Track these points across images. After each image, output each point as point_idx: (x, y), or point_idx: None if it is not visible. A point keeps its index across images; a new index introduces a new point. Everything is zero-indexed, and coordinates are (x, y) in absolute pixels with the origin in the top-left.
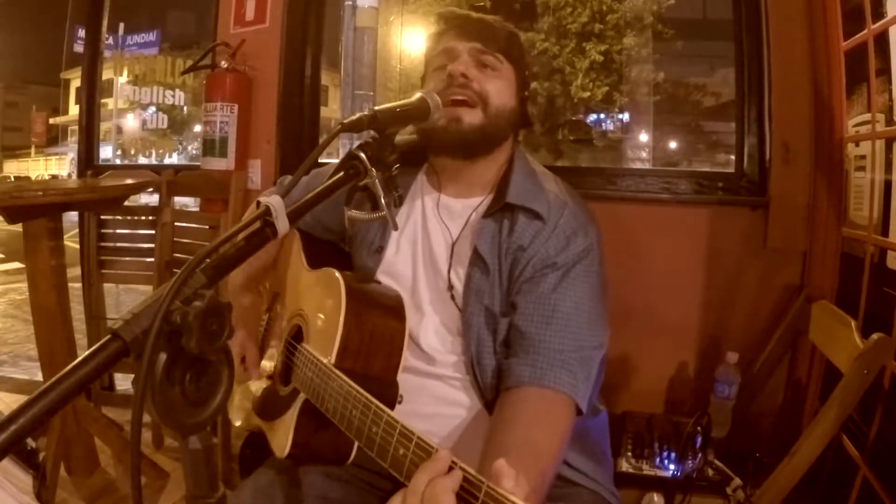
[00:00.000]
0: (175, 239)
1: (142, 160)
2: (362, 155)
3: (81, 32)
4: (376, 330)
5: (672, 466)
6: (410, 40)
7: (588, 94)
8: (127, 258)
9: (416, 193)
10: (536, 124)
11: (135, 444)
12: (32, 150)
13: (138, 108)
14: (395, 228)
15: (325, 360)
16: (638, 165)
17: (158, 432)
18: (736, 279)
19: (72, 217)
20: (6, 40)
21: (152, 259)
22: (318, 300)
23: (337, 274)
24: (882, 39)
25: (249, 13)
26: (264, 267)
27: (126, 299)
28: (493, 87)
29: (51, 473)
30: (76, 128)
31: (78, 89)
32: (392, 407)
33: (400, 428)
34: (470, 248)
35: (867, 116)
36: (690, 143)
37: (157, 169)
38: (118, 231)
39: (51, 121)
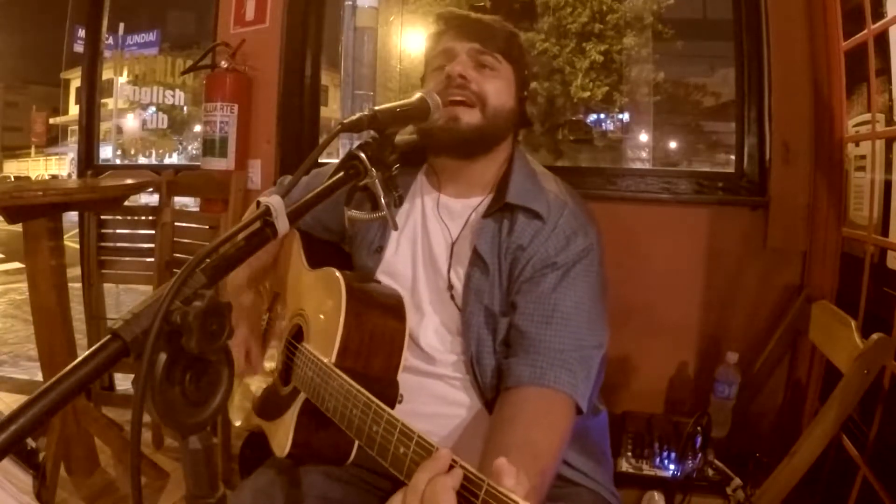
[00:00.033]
0: (175, 239)
1: (142, 160)
2: (362, 155)
3: (81, 32)
4: (376, 329)
5: (672, 466)
6: (410, 40)
7: (588, 94)
8: (127, 258)
9: (416, 193)
10: (536, 124)
11: (135, 444)
12: (32, 150)
13: (138, 108)
14: (395, 228)
15: (325, 360)
16: (638, 165)
17: (158, 432)
18: (736, 279)
19: (72, 217)
20: (6, 40)
21: (152, 259)
22: (319, 300)
23: (337, 273)
24: (882, 39)
25: (249, 13)
26: (265, 266)
27: (126, 299)
28: (492, 87)
29: (51, 473)
30: (76, 128)
31: (78, 89)
32: (392, 406)
33: (400, 427)
34: (470, 248)
35: (867, 116)
36: (690, 143)
37: (157, 169)
38: (118, 231)
39: (51, 121)
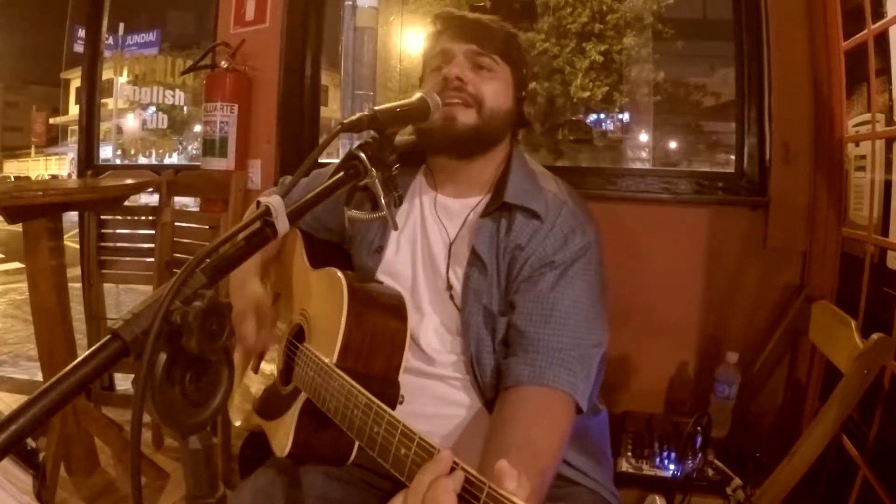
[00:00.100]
0: (175, 239)
1: (142, 160)
2: (362, 155)
3: (81, 32)
4: (378, 330)
5: (672, 466)
6: (410, 40)
7: (588, 94)
8: (127, 258)
9: (415, 193)
10: (536, 124)
11: (135, 444)
12: (32, 150)
13: (138, 108)
14: (396, 228)
15: (326, 360)
16: (638, 165)
17: (158, 432)
18: (736, 279)
19: (72, 217)
20: (6, 40)
21: (152, 259)
22: (320, 300)
23: (339, 273)
24: (882, 39)
25: (249, 13)
26: (270, 258)
27: (126, 299)
28: (489, 89)
29: (51, 473)
30: (76, 128)
31: (78, 89)
32: (393, 407)
33: (402, 428)
34: (468, 248)
35: (867, 116)
36: (690, 143)
37: (157, 169)
38: (118, 231)
39: (51, 121)
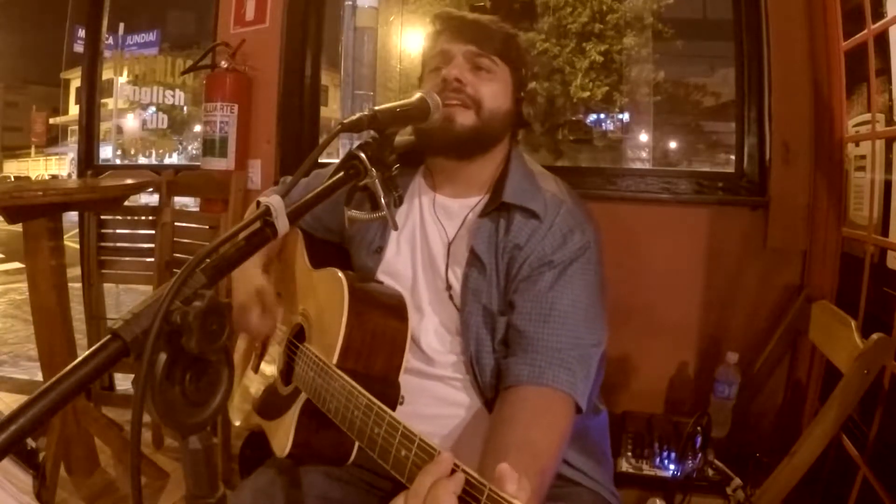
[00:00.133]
0: (175, 239)
1: (142, 160)
2: (362, 155)
3: (81, 32)
4: (378, 330)
5: (672, 466)
6: (410, 40)
7: (588, 94)
8: (127, 258)
9: (414, 194)
10: (536, 124)
11: (135, 444)
12: (32, 150)
13: (138, 108)
14: (396, 228)
15: (326, 360)
16: (638, 165)
17: (158, 432)
18: (736, 279)
19: (72, 217)
20: (6, 40)
21: (152, 259)
22: (321, 300)
23: (340, 273)
24: (882, 39)
25: (249, 13)
26: (271, 254)
27: (126, 299)
28: (488, 90)
29: (51, 473)
30: (76, 128)
31: (78, 89)
32: (393, 408)
33: (402, 429)
34: (467, 248)
35: (867, 116)
36: (690, 143)
37: (157, 169)
38: (118, 231)
39: (51, 121)
